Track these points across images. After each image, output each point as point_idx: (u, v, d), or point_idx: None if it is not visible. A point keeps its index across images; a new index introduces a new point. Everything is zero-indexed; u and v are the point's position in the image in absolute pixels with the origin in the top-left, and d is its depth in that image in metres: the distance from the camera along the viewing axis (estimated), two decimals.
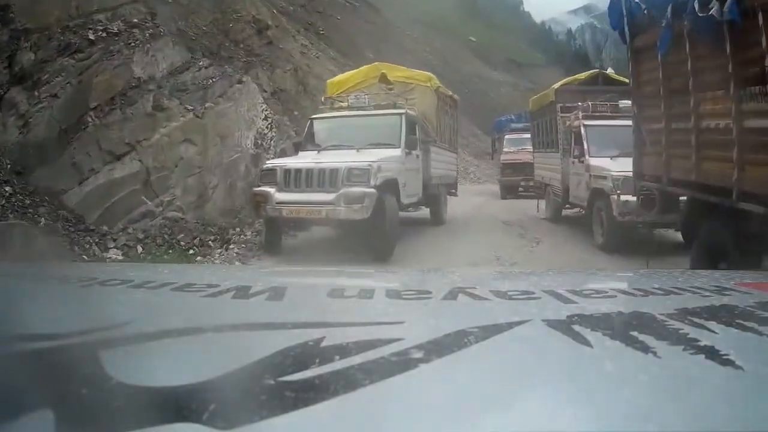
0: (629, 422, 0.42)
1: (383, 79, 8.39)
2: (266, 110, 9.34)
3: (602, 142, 7.22)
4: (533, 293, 0.82)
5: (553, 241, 7.47)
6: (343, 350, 0.52)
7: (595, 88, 8.93)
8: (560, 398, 0.45)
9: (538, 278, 1.13)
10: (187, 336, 0.61)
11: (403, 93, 8.16)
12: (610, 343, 0.57)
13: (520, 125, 16.09)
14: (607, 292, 0.85)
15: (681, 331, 0.60)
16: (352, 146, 6.66)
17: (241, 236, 7.11)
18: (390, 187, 6.23)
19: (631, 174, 5.42)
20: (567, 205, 8.71)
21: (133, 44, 7.78)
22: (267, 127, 9.18)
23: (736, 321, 0.67)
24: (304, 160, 6.56)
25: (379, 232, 5.78)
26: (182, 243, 6.63)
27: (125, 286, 0.92)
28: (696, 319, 0.65)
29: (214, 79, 8.36)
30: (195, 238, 6.77)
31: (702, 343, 0.55)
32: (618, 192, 5.92)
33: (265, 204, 6.01)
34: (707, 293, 0.85)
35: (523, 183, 14.43)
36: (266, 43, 13.33)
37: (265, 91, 11.22)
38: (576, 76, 10.09)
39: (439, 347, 0.53)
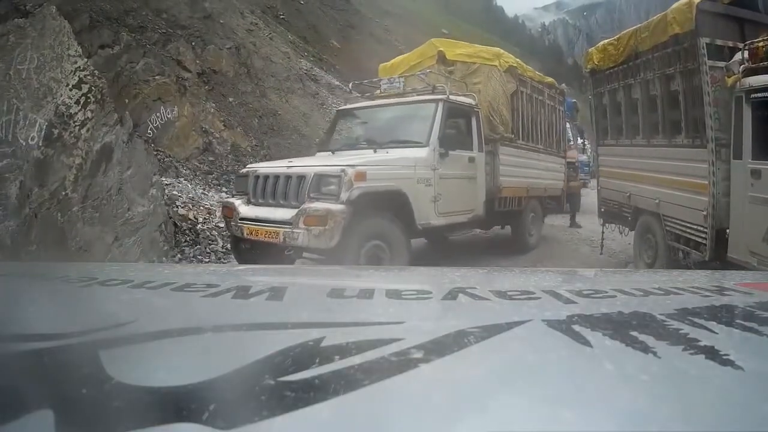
0: (629, 422, 0.42)
1: (441, 58, 6.82)
2: (83, 70, 5.24)
3: None
4: (533, 293, 0.82)
5: None
6: (343, 350, 0.52)
7: (758, 17, 4.67)
8: (560, 398, 0.45)
9: (538, 278, 1.13)
10: (187, 336, 0.61)
11: (466, 76, 6.54)
12: (610, 343, 0.57)
13: None
14: (607, 292, 0.85)
15: (681, 331, 0.60)
16: (374, 146, 5.40)
17: None
18: (387, 204, 4.70)
19: None
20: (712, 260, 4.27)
21: None
22: (78, 102, 5.12)
23: (736, 321, 0.67)
24: (281, 164, 5.28)
25: None
26: None
27: (125, 286, 0.92)
28: (696, 319, 0.65)
29: None
30: None
31: (702, 343, 0.55)
32: None
33: (230, 220, 4.98)
34: (707, 293, 0.85)
35: None
36: (203, 16, 10.92)
37: (189, 71, 8.65)
38: None
39: (439, 347, 0.53)
